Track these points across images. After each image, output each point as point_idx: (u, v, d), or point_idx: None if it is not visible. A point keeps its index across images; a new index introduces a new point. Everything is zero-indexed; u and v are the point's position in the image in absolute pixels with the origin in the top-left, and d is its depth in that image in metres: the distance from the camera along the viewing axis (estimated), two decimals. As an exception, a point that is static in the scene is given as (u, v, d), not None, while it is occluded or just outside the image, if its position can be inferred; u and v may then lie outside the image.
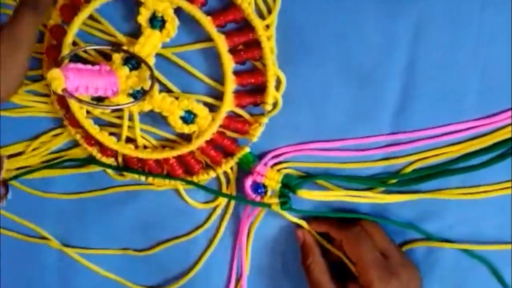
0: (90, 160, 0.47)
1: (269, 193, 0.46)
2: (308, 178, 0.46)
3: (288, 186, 0.45)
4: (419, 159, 0.44)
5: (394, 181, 0.45)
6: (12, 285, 0.53)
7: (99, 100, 0.44)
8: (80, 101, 0.40)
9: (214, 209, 0.48)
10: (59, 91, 0.38)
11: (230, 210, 0.48)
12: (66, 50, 0.43)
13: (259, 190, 0.46)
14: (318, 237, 0.46)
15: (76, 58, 0.44)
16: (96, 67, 0.41)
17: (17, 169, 0.50)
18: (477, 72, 0.41)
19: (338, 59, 0.42)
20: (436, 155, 0.44)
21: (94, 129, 0.45)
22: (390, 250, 0.43)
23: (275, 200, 0.45)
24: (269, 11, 0.41)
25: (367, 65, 0.42)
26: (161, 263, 0.50)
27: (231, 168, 0.46)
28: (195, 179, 0.46)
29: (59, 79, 0.38)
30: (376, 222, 0.45)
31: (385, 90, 0.43)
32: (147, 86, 0.42)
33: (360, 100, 0.43)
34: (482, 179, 0.44)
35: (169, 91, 0.44)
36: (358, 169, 0.45)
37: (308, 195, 0.45)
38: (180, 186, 0.47)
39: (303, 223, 0.46)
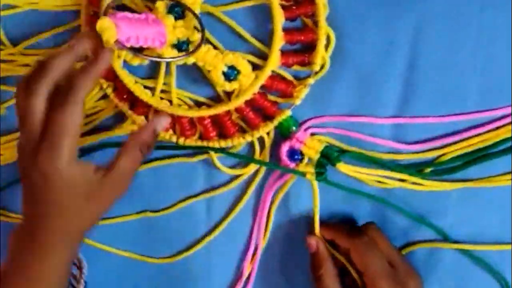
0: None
1: (305, 161, 0.44)
2: (350, 152, 0.44)
3: (328, 158, 0.43)
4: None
5: (429, 169, 0.44)
6: None
7: (137, 51, 0.42)
8: (134, 53, 0.38)
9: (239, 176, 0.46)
10: (111, 43, 0.36)
11: (258, 179, 0.45)
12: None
13: (296, 157, 0.43)
14: (327, 246, 0.44)
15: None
16: (142, 16, 0.39)
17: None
18: (476, 72, 0.41)
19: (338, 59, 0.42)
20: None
21: (130, 80, 0.42)
22: (396, 259, 0.42)
23: (311, 170, 0.43)
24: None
25: (367, 63, 0.41)
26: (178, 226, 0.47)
27: (267, 133, 0.44)
28: (229, 142, 0.43)
29: (111, 29, 0.36)
30: (379, 229, 0.44)
31: (385, 89, 0.42)
32: (193, 36, 0.41)
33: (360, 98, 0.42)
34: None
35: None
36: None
37: (348, 170, 0.43)
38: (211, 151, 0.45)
39: (316, 228, 0.44)
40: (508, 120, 0.42)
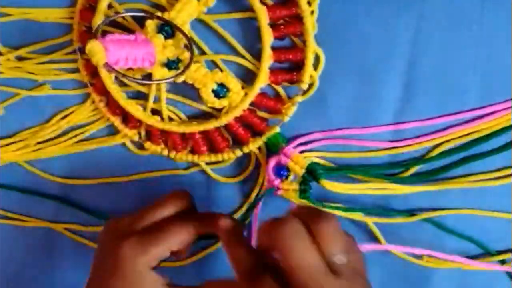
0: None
1: (290, 178, 0.44)
2: (336, 170, 0.44)
3: (312, 174, 0.43)
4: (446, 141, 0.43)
5: (418, 166, 0.44)
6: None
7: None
8: (124, 75, 0.39)
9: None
10: (101, 66, 0.37)
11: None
12: (100, 13, 0.42)
13: (282, 173, 0.43)
14: None
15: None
16: (132, 37, 0.40)
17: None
18: (477, 72, 0.41)
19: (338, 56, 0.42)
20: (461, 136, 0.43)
21: (121, 96, 0.43)
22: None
23: (295, 187, 0.43)
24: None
25: (368, 62, 0.41)
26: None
27: (260, 150, 0.44)
28: (219, 157, 0.44)
29: (100, 52, 0.36)
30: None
31: (385, 88, 0.42)
32: (182, 55, 0.41)
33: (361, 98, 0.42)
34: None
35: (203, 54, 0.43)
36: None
37: (332, 187, 0.43)
38: (202, 162, 0.45)
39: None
40: (502, 113, 0.42)
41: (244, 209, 0.46)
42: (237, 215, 0.46)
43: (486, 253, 0.45)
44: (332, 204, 0.44)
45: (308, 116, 0.44)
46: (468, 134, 0.43)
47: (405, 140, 0.43)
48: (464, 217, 0.45)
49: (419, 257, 0.46)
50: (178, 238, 0.37)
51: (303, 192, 0.43)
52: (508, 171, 0.43)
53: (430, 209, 0.45)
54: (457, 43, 0.41)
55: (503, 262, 0.45)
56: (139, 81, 0.41)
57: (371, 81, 0.42)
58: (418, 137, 0.43)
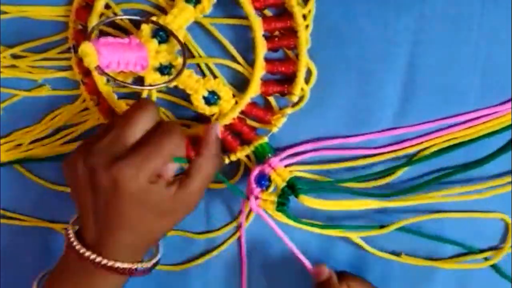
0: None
1: (271, 189, 0.44)
2: (318, 188, 0.44)
3: (293, 188, 0.43)
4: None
5: (405, 168, 0.44)
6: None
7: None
8: (114, 80, 0.39)
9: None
10: (92, 68, 0.37)
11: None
12: (96, 13, 0.42)
13: (263, 182, 0.43)
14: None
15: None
16: (126, 40, 0.40)
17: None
18: (477, 72, 0.41)
19: (338, 56, 0.42)
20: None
21: (112, 97, 0.43)
22: None
23: (273, 199, 0.43)
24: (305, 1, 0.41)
25: (367, 62, 0.41)
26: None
27: (249, 158, 0.45)
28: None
29: (92, 55, 0.36)
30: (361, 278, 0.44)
31: (385, 87, 0.42)
32: (175, 61, 0.41)
33: (361, 97, 0.42)
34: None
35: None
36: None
37: (310, 203, 0.43)
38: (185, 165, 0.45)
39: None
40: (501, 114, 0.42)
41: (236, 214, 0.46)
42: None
43: (472, 252, 0.46)
44: (310, 221, 0.45)
45: (300, 126, 0.44)
46: (466, 135, 0.43)
47: (401, 142, 0.44)
48: (456, 220, 0.45)
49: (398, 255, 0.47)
50: (170, 148, 0.37)
51: (280, 204, 0.43)
52: (507, 179, 0.43)
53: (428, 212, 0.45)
54: (457, 43, 0.41)
55: (486, 259, 0.46)
56: (130, 86, 0.41)
57: (371, 82, 0.42)
58: (413, 139, 0.43)
